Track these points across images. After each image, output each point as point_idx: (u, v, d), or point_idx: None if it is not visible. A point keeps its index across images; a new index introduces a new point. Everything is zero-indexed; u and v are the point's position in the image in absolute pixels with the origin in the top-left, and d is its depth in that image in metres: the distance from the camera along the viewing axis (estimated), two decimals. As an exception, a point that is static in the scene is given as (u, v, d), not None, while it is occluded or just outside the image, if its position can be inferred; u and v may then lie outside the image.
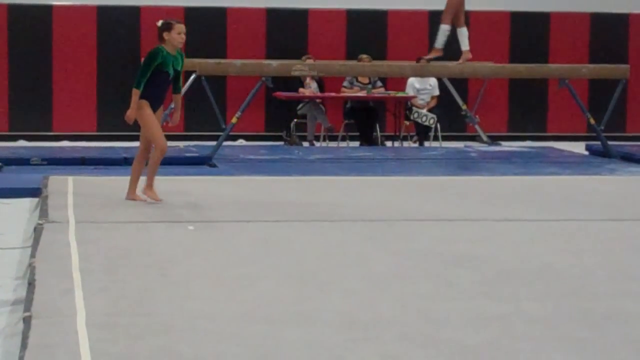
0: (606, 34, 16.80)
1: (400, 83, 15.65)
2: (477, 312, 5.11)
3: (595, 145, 13.73)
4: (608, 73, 13.71)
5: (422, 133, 15.33)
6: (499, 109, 16.62)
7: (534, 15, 16.69)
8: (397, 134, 15.40)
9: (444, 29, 12.58)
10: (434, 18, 15.62)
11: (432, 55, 12.91)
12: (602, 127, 13.25)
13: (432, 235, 7.30)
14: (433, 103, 15.44)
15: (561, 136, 16.45)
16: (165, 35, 8.39)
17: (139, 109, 8.37)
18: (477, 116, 15.50)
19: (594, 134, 13.67)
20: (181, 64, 8.54)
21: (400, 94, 15.38)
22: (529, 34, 16.65)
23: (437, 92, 15.49)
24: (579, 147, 14.27)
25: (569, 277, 5.98)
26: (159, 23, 8.48)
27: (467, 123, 15.81)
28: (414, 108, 15.27)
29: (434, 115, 15.18)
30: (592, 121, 13.32)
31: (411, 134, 15.61)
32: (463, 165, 12.45)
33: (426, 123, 15.21)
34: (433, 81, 15.45)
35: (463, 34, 12.63)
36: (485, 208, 8.58)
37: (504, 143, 15.38)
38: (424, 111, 15.24)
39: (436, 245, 6.89)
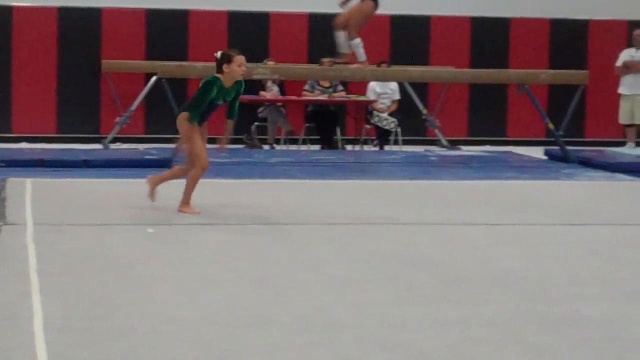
0: (566, 40, 16.92)
1: (362, 87, 15.69)
2: (436, 316, 5.13)
3: (554, 150, 13.81)
4: (567, 79, 13.79)
5: (383, 137, 15.37)
6: (459, 114, 16.70)
7: (494, 20, 16.78)
8: (358, 137, 15.43)
9: (357, 43, 12.49)
10: (396, 22, 15.69)
11: (359, 65, 12.83)
12: (561, 132, 13.33)
13: (391, 239, 7.32)
14: (394, 107, 15.48)
15: (520, 141, 16.54)
16: (225, 67, 8.01)
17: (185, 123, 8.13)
18: (437, 120, 15.55)
19: (553, 139, 13.76)
20: (233, 93, 8.12)
21: (361, 98, 15.41)
22: (489, 39, 16.74)
23: (397, 96, 15.54)
24: (538, 152, 14.35)
25: (527, 281, 6.01)
26: (218, 54, 8.08)
27: (427, 127, 15.86)
28: (374, 112, 15.32)
29: (395, 119, 15.23)
30: (551, 126, 13.41)
31: (372, 137, 15.64)
32: (423, 169, 12.48)
33: (387, 127, 15.26)
34: (394, 85, 15.50)
35: (358, 44, 12.54)
36: (445, 212, 8.61)
37: (463, 147, 15.43)
38: (385, 115, 15.29)
39: (395, 249, 6.91)
